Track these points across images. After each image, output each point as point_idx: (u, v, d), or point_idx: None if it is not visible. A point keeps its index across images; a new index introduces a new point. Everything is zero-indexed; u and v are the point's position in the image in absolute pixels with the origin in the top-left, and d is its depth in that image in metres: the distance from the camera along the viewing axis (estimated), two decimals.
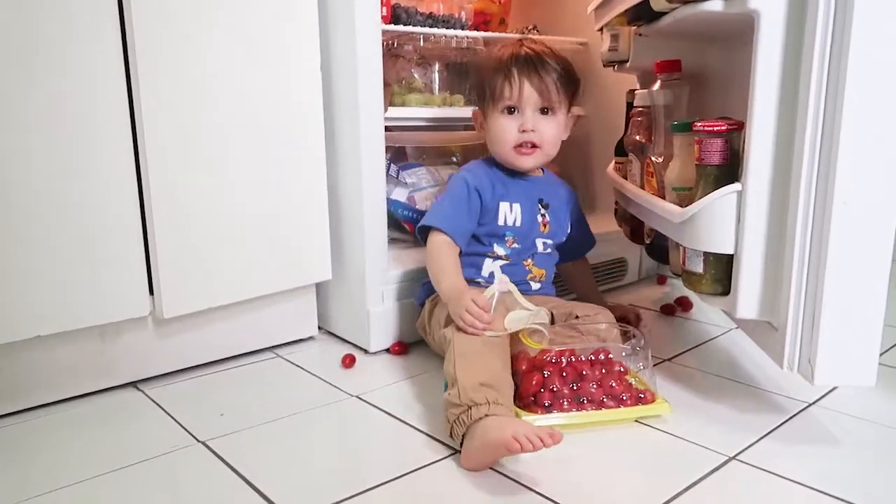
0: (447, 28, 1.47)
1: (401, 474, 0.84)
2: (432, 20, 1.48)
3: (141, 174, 1.03)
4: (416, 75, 1.51)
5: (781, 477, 0.82)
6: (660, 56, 1.19)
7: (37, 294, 0.97)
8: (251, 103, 1.12)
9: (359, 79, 1.16)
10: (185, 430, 0.96)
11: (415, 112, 1.42)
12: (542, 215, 1.22)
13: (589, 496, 0.79)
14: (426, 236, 1.17)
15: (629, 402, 0.96)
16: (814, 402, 1.02)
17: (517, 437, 0.79)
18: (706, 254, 0.95)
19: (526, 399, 0.95)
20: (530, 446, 0.79)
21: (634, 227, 1.46)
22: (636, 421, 0.96)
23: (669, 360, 1.21)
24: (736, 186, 0.89)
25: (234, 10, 1.08)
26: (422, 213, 1.31)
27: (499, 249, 1.19)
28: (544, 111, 1.16)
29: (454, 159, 1.58)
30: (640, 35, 1.27)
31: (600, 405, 0.95)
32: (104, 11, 0.97)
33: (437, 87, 1.55)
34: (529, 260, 1.21)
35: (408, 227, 1.41)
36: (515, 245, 1.19)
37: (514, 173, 1.22)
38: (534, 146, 1.17)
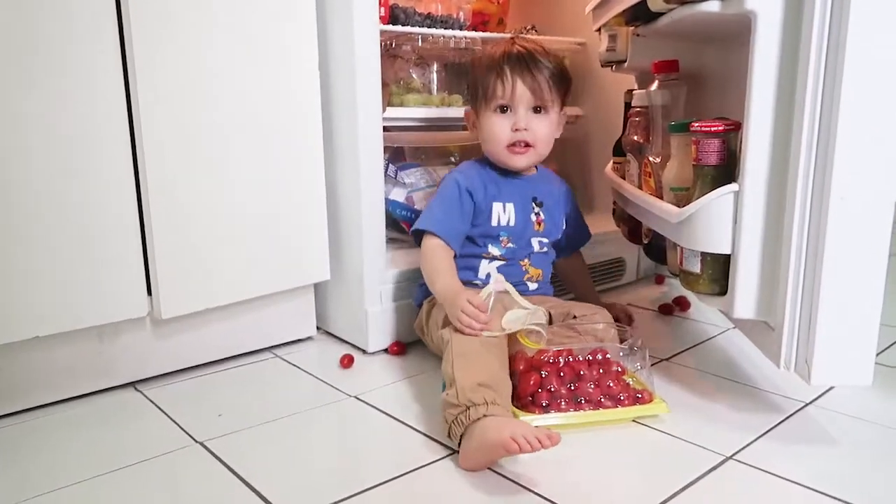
0: (445, 28, 1.47)
1: (399, 474, 0.84)
2: (430, 20, 1.48)
3: (139, 174, 1.03)
4: (414, 75, 1.52)
5: (778, 476, 0.82)
6: (657, 56, 1.19)
7: (36, 294, 0.97)
8: (251, 103, 1.12)
9: (357, 79, 1.16)
10: (184, 430, 0.96)
11: (413, 112, 1.42)
12: (537, 214, 1.22)
13: (587, 496, 0.79)
14: (420, 239, 1.17)
15: (627, 402, 0.96)
16: (811, 402, 1.02)
17: (515, 437, 0.79)
18: (703, 254, 0.96)
19: (523, 399, 0.95)
20: (528, 447, 0.79)
21: (632, 227, 1.46)
22: (634, 421, 0.96)
23: (667, 359, 1.21)
24: (733, 187, 0.89)
25: (233, 10, 1.08)
26: (420, 214, 1.31)
27: (493, 250, 1.19)
28: (537, 110, 1.16)
29: (452, 159, 1.58)
30: (637, 35, 1.27)
31: (598, 405, 0.95)
32: (103, 11, 0.97)
33: (435, 87, 1.55)
34: (526, 260, 1.21)
35: (406, 227, 1.41)
36: (510, 245, 1.19)
37: (508, 172, 1.22)
38: (527, 145, 1.16)
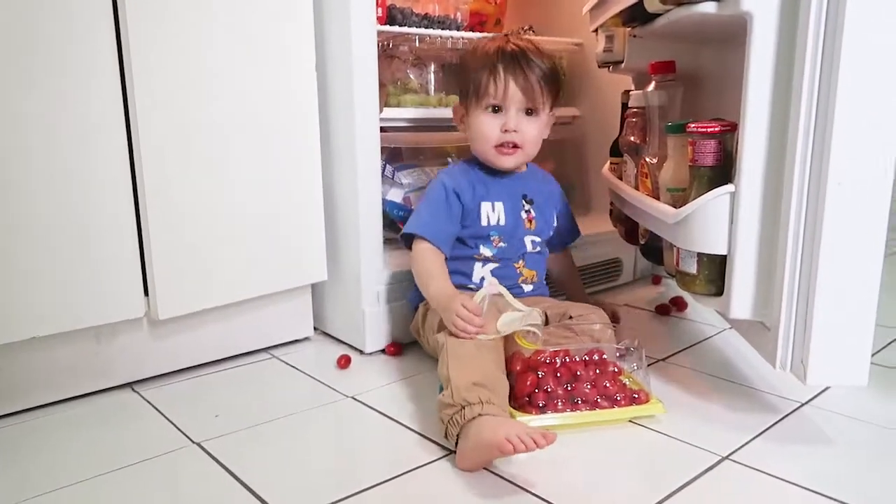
0: (443, 29, 1.47)
1: (396, 475, 0.84)
2: (428, 21, 1.48)
3: (136, 174, 1.03)
4: (411, 76, 1.52)
5: (774, 477, 0.82)
6: (654, 57, 1.19)
7: (35, 294, 0.97)
8: (249, 103, 1.12)
9: (354, 79, 1.16)
10: (181, 431, 0.96)
11: (410, 113, 1.43)
12: (527, 211, 1.22)
13: (583, 496, 0.80)
14: (410, 244, 1.17)
15: (623, 402, 0.96)
16: (807, 402, 1.02)
17: (510, 438, 0.79)
18: (700, 254, 0.96)
19: (520, 400, 0.95)
20: (523, 447, 0.79)
21: (629, 227, 1.46)
22: (630, 421, 0.97)
23: (664, 360, 1.21)
24: (729, 188, 0.90)
25: (232, 10, 1.08)
26: None
27: (485, 251, 1.18)
28: (528, 111, 1.16)
29: (450, 160, 1.58)
30: (634, 36, 1.27)
31: (594, 405, 0.95)
32: (102, 11, 0.97)
33: (432, 87, 1.55)
34: (520, 262, 1.21)
35: (403, 227, 1.41)
36: (502, 244, 1.19)
37: (496, 171, 1.21)
38: (515, 146, 1.16)
